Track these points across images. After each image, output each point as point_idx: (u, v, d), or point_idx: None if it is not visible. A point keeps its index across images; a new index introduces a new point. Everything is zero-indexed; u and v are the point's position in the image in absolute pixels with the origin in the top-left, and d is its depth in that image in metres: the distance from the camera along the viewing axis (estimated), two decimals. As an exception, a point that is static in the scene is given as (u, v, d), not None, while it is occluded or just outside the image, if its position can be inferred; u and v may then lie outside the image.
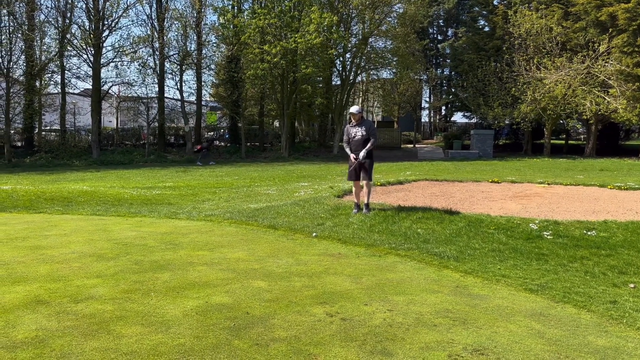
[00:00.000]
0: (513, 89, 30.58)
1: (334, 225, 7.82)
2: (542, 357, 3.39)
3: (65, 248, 6.25)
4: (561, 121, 33.39)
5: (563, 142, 37.66)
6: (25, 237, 6.92)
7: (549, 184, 13.46)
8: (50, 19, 31.54)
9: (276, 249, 6.42)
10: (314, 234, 7.36)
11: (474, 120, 42.77)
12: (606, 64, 27.46)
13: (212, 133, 39.88)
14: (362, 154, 8.13)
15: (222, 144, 37.88)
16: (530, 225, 7.43)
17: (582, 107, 28.25)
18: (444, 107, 51.04)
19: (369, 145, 8.18)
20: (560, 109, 29.35)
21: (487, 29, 39.51)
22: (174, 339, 3.51)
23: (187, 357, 3.25)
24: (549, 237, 6.96)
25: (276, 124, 40.49)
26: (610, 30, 27.26)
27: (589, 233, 7.04)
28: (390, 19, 35.25)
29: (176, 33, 34.17)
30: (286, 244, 6.79)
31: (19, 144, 32.78)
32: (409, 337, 3.65)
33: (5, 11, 28.52)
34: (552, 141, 33.90)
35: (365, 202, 8.42)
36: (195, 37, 33.98)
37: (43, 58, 31.24)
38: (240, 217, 8.71)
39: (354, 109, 8.32)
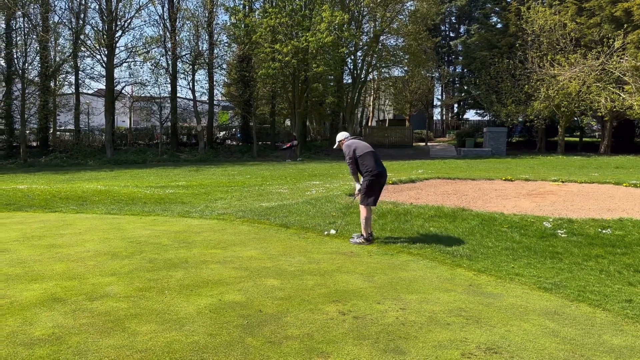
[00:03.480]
0: (526, 86, 30.31)
1: (345, 224, 7.81)
2: (557, 356, 3.36)
3: (80, 246, 6.33)
4: (575, 118, 33.06)
5: (577, 139, 37.28)
6: (41, 236, 7.01)
7: (563, 181, 13.33)
8: (64, 20, 31.97)
9: (288, 248, 6.44)
10: (332, 230, 7.34)
11: (486, 118, 42.48)
12: (621, 60, 27.10)
13: (224, 132, 40.05)
14: (357, 186, 6.89)
15: (234, 143, 38.03)
16: (544, 223, 7.37)
17: (596, 104, 27.92)
18: (456, 105, 50.75)
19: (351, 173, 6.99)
20: (574, 106, 29.05)
21: (499, 25, 39.24)
22: (188, 337, 3.54)
23: (201, 354, 3.28)
24: (563, 235, 6.89)
25: (287, 122, 40.55)
26: (626, 26, 26.90)
27: (604, 231, 6.96)
28: (401, 16, 35.11)
29: (188, 33, 34.42)
30: (298, 242, 6.81)
31: (34, 144, 33.21)
32: (422, 335, 3.64)
33: (20, 13, 28.88)
34: (566, 138, 33.57)
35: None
36: (207, 37, 34.15)
37: (57, 59, 31.63)
38: (253, 215, 8.75)
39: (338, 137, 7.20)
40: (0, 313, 3.94)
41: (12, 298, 4.30)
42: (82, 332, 3.60)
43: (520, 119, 34.77)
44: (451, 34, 51.71)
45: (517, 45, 31.91)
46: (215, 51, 34.29)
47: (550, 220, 7.55)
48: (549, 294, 4.71)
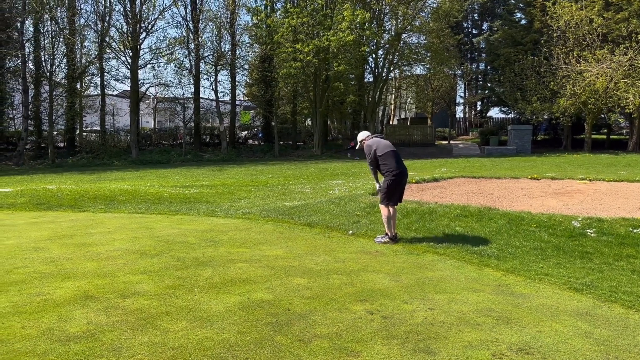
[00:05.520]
0: (552, 83, 29.79)
1: (370, 223, 7.80)
2: (590, 358, 3.31)
3: (110, 245, 6.45)
4: (602, 115, 32.37)
5: (604, 136, 36.48)
6: (72, 235, 7.17)
7: (590, 180, 13.07)
8: (89, 23, 32.62)
9: (313, 247, 6.46)
10: (350, 231, 7.36)
11: (510, 116, 41.91)
12: (651, 55, 26.43)
13: (245, 132, 40.34)
14: (377, 185, 6.99)
15: (256, 142, 38.27)
16: (573, 222, 7.24)
17: (624, 100, 27.29)
18: (479, 103, 50.17)
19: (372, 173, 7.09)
20: (601, 103, 28.45)
21: (524, 21, 38.64)
22: (218, 334, 3.59)
23: (232, 352, 3.32)
24: (592, 234, 6.76)
25: (308, 122, 40.63)
26: (655, 20, 26.22)
27: (635, 231, 6.80)
28: (423, 14, 34.87)
29: (211, 34, 34.80)
30: (323, 241, 6.83)
31: (62, 144, 33.94)
32: (451, 335, 3.62)
33: (47, 16, 29.54)
34: (593, 136, 32.88)
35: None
36: (229, 38, 34.48)
37: (83, 61, 32.30)
38: (277, 215, 8.80)
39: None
40: (36, 310, 4.05)
41: (47, 295, 4.41)
42: (115, 329, 3.67)
43: (545, 117, 34.20)
44: (474, 31, 51.13)
45: (542, 41, 31.38)
46: (238, 52, 34.60)
47: (579, 219, 7.41)
48: (580, 295, 4.63)
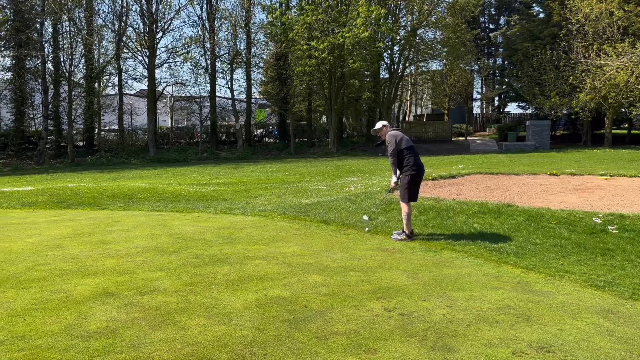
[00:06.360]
0: (571, 77, 29.30)
1: (386, 220, 7.77)
2: (613, 356, 3.25)
3: (128, 243, 6.52)
4: (623, 110, 31.74)
5: (625, 131, 35.80)
6: (91, 233, 7.27)
7: (611, 175, 12.84)
8: (107, 23, 32.98)
9: (330, 244, 6.45)
10: (367, 228, 7.34)
11: (529, 111, 41.33)
12: (673, 48, 25.84)
13: (261, 130, 40.46)
14: (394, 179, 6.89)
15: (271, 140, 38.36)
16: (594, 219, 7.12)
17: (646, 94, 26.73)
18: (497, 98, 49.56)
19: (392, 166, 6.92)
20: (622, 97, 27.90)
21: (542, 15, 38.07)
22: (236, 331, 3.60)
23: (249, 348, 3.33)
24: (614, 231, 6.64)
25: (324, 119, 40.59)
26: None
27: (658, 227, 6.67)
28: (440, 9, 34.49)
29: (226, 33, 34.92)
30: (339, 238, 6.82)
31: (81, 143, 34.42)
32: (470, 333, 3.58)
33: (66, 17, 29.96)
34: (613, 131, 32.28)
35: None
36: (244, 36, 34.57)
37: (101, 61, 32.71)
38: (293, 212, 8.81)
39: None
40: (57, 306, 4.11)
41: (68, 292, 4.48)
42: (134, 325, 3.71)
43: (564, 112, 33.67)
44: (490, 26, 50.50)
45: (560, 35, 30.84)
46: (253, 50, 34.66)
47: (600, 215, 7.28)
48: (601, 292, 4.55)
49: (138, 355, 3.23)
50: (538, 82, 32.01)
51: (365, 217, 7.83)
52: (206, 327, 3.68)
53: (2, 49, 30.13)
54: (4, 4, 29.56)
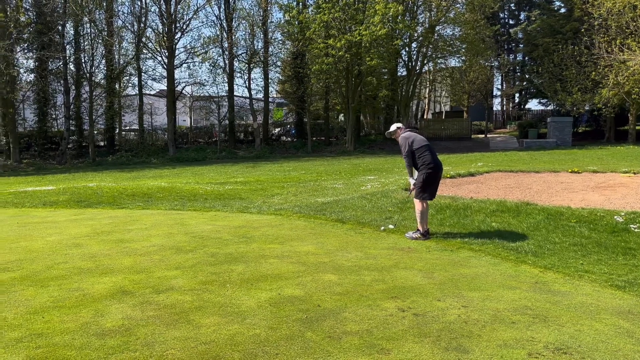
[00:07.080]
0: (593, 73, 28.72)
1: (402, 219, 7.71)
2: (632, 358, 3.17)
3: (146, 241, 6.60)
4: (648, 105, 31.00)
5: (650, 128, 34.98)
6: (110, 232, 7.37)
7: (635, 173, 12.56)
8: (127, 24, 33.39)
9: (345, 243, 6.43)
10: (391, 225, 7.27)
11: (550, 107, 40.68)
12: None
13: (278, 129, 40.58)
14: (412, 180, 6.88)
15: (289, 139, 38.44)
16: (615, 217, 6.97)
17: (672, 89, 26.08)
18: (517, 95, 48.89)
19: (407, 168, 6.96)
20: (646, 93, 27.26)
21: (563, 10, 37.42)
22: (249, 330, 3.61)
23: (262, 347, 3.34)
24: (636, 230, 6.49)
25: (341, 117, 40.51)
26: None
27: (683, 226, 6.50)
28: (458, 5, 34.10)
29: (244, 32, 35.06)
30: (355, 237, 6.79)
31: (102, 143, 34.97)
32: (485, 334, 3.53)
33: (86, 19, 30.45)
34: (637, 127, 31.57)
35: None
36: (262, 36, 34.69)
37: (121, 62, 33.14)
38: (309, 211, 8.81)
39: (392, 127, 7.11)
40: (74, 305, 4.17)
41: (85, 291, 4.54)
42: (149, 324, 3.74)
43: (586, 108, 33.01)
44: (510, 21, 49.80)
45: (582, 30, 30.24)
46: (270, 49, 34.76)
47: (622, 214, 7.13)
48: (622, 292, 4.45)
49: (152, 353, 3.26)
50: (559, 78, 31.47)
51: (392, 226, 7.28)
52: (220, 325, 3.70)
53: (26, 50, 30.78)
54: (27, 7, 30.16)
